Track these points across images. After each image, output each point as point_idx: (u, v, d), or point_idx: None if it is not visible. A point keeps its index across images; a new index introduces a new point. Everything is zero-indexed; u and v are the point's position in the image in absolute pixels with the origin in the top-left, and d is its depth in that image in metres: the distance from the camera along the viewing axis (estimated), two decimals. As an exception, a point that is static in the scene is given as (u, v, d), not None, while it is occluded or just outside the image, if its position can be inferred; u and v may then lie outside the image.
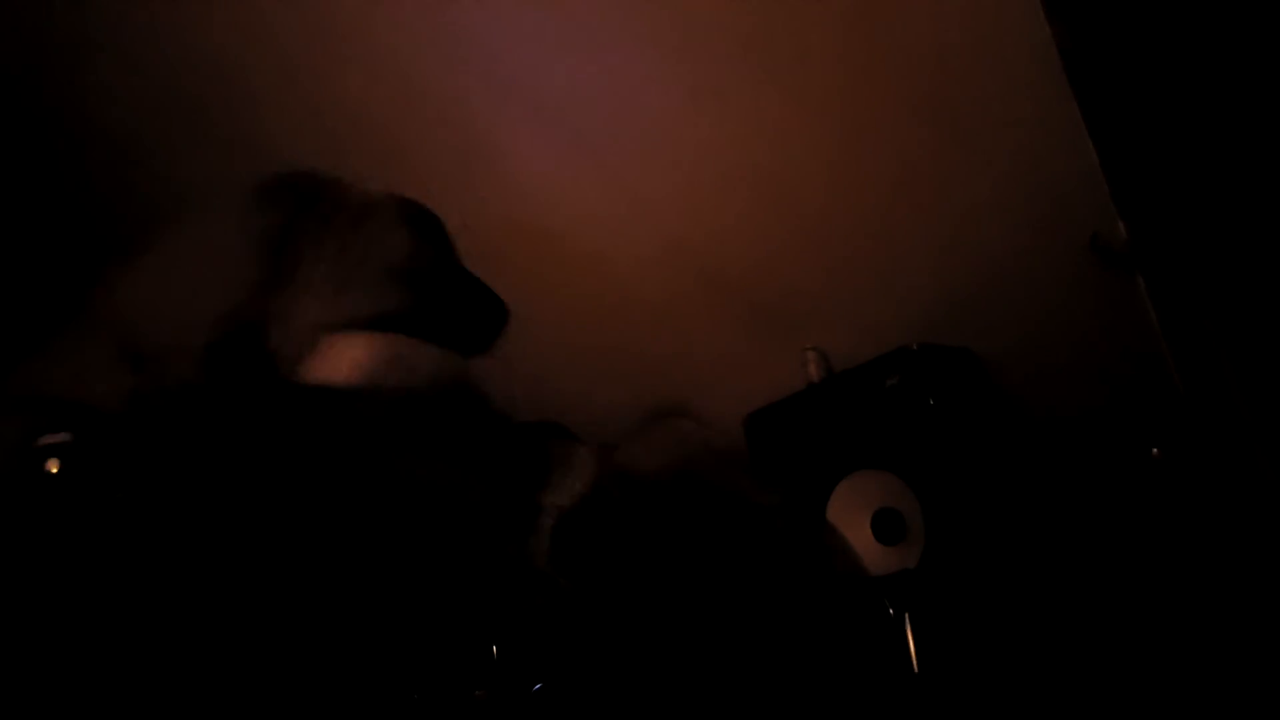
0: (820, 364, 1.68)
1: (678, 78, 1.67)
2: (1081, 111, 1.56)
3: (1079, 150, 1.57)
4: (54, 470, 0.88)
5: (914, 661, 1.43)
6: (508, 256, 1.78)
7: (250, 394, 0.95)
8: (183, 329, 0.97)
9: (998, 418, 1.61)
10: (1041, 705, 1.40)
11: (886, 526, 1.54)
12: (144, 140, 1.77)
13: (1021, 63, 1.54)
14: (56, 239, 1.80)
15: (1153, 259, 1.56)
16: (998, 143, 1.61)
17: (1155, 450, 1.51)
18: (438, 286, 1.09)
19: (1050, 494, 1.56)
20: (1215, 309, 1.47)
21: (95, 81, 1.73)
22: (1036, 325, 1.63)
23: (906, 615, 1.47)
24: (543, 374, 1.69)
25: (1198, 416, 1.49)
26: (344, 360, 0.92)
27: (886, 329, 1.63)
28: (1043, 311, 1.63)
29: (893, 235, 1.68)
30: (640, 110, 1.73)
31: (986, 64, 1.56)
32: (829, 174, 1.69)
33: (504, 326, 1.19)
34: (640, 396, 1.72)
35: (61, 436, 0.89)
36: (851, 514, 1.58)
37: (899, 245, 1.68)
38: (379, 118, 1.78)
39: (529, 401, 1.62)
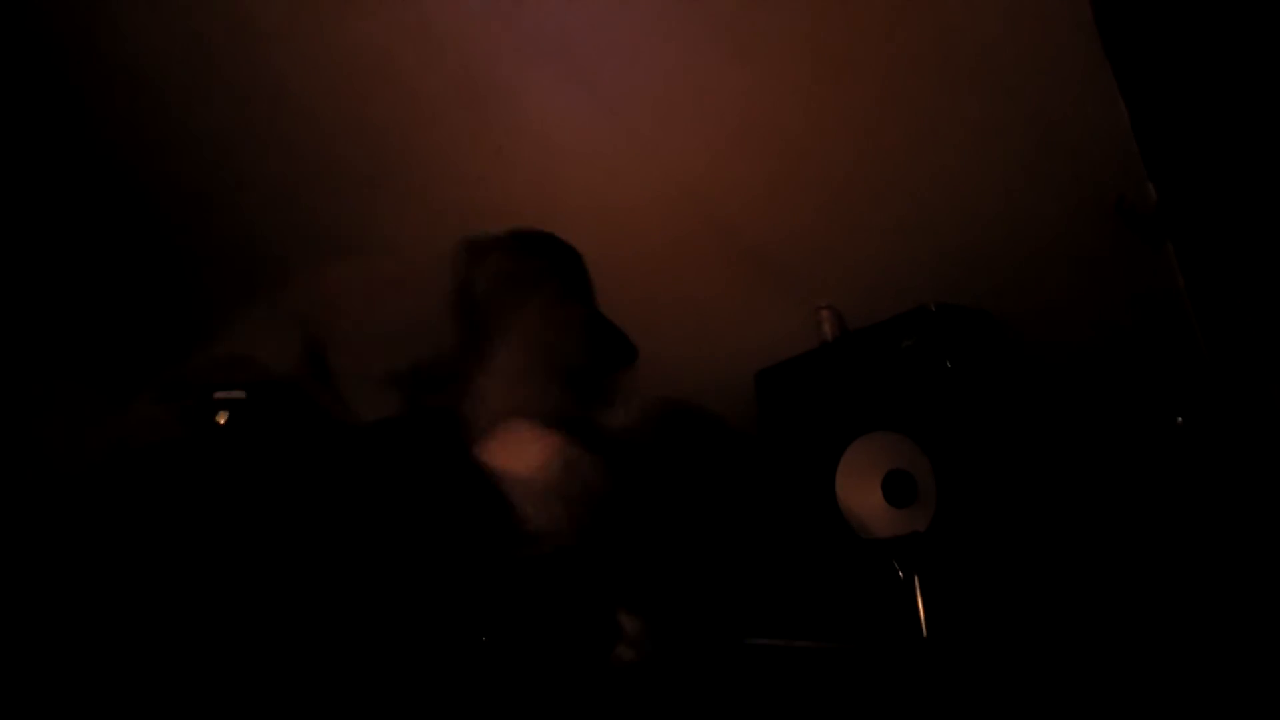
0: (835, 322, 1.65)
1: (700, 31, 1.64)
2: (1114, 71, 1.51)
3: (1109, 111, 1.52)
4: (222, 422, 0.95)
5: (923, 625, 1.41)
6: (524, 205, 1.79)
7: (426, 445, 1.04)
8: (371, 346, 1.07)
9: (1015, 382, 1.57)
10: (1051, 671, 1.37)
11: (898, 489, 1.52)
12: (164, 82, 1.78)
13: (1053, 21, 1.50)
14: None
15: (1181, 223, 1.51)
16: (1024, 102, 1.57)
17: (1179, 418, 1.47)
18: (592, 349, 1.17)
19: (1069, 461, 1.53)
20: (1245, 275, 1.43)
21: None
22: (1059, 288, 1.59)
23: (916, 578, 1.44)
24: None
25: (1223, 384, 1.45)
26: (528, 454, 1.00)
27: (904, 289, 1.59)
28: (1066, 274, 1.59)
29: (914, 194, 1.65)
30: (662, 64, 1.70)
31: (1016, 23, 1.52)
32: (850, 132, 1.66)
33: (632, 363, 1.26)
34: (649, 347, 1.70)
35: (236, 393, 0.96)
36: (862, 475, 1.56)
37: (920, 204, 1.65)
38: (398, 65, 1.78)
39: None
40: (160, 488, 0.93)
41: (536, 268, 1.21)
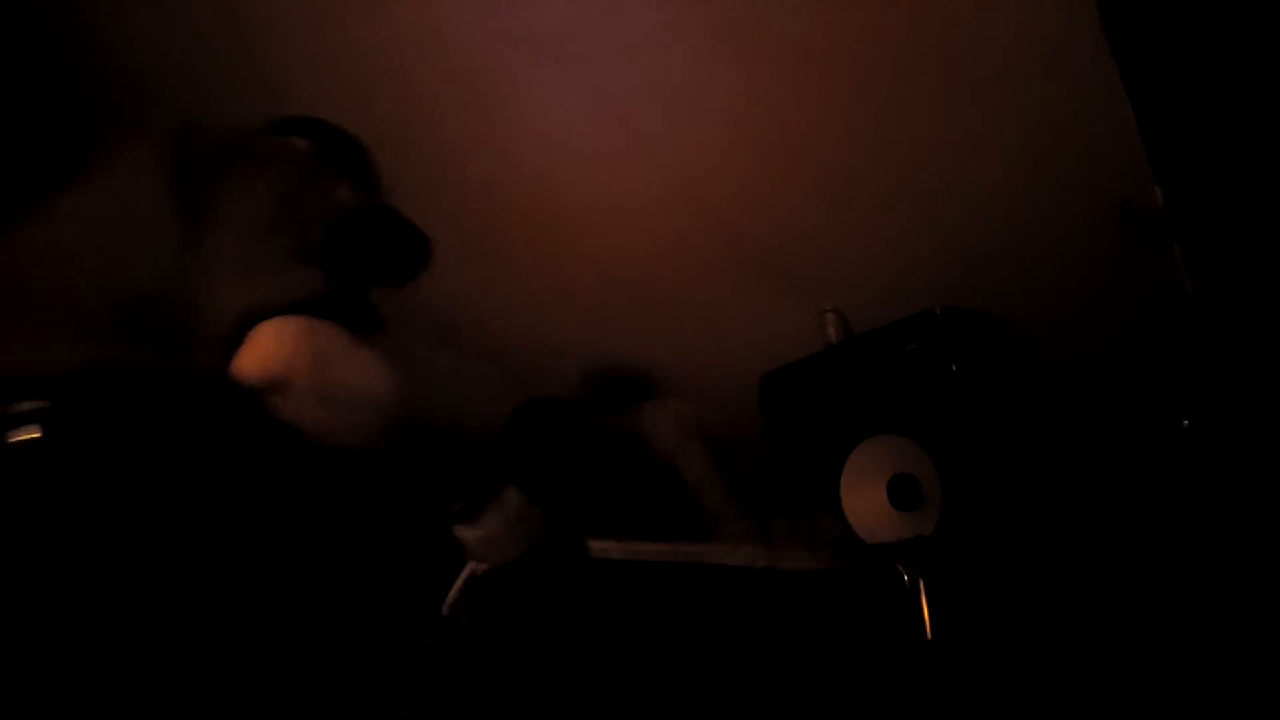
0: (839, 326, 1.65)
1: (704, 33, 1.63)
2: (1121, 73, 1.51)
3: (1115, 113, 1.52)
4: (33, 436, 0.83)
5: (927, 627, 1.40)
6: (527, 207, 1.78)
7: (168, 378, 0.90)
8: (96, 290, 0.90)
9: (1021, 385, 1.57)
10: (1055, 673, 1.37)
11: (903, 492, 1.52)
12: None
13: (1060, 24, 1.49)
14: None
15: (1188, 225, 1.51)
16: (1031, 105, 1.56)
17: (1185, 422, 1.47)
18: (358, 231, 1.01)
19: (1074, 464, 1.52)
20: (1252, 278, 1.42)
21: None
22: (1065, 292, 1.59)
23: (921, 581, 1.44)
24: (539, 313, 1.67)
25: (1230, 387, 1.44)
26: (262, 351, 0.85)
27: (909, 292, 1.59)
28: (1072, 278, 1.58)
29: (919, 197, 1.64)
30: (667, 65, 1.69)
31: (1023, 26, 1.51)
32: (856, 135, 1.65)
33: (426, 262, 1.12)
34: (654, 350, 1.70)
35: (39, 403, 0.84)
36: (867, 479, 1.55)
37: (925, 207, 1.64)
38: (400, 67, 1.76)
39: (522, 338, 1.61)
40: None
41: (270, 143, 1.00)
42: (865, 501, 1.55)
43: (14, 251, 0.91)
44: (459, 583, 1.12)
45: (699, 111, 1.67)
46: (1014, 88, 1.55)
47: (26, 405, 0.83)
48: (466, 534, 1.07)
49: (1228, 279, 1.47)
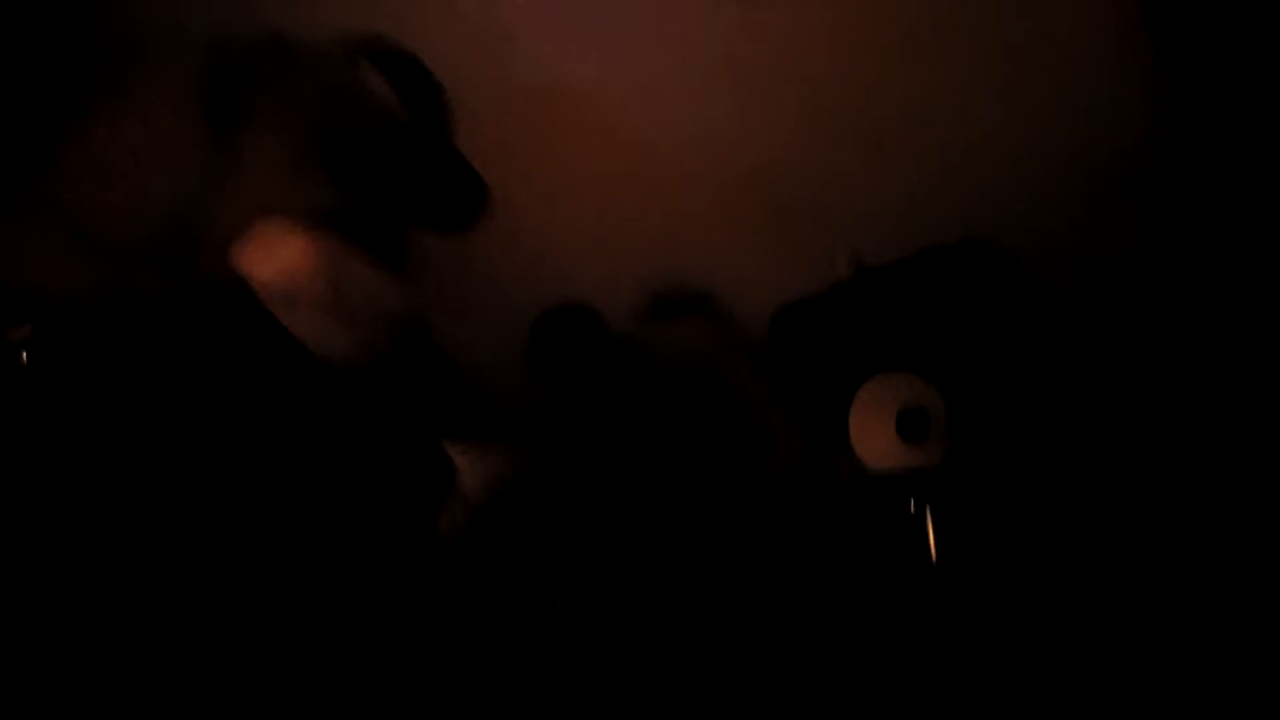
0: (851, 260, 1.65)
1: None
2: (1142, 5, 1.50)
3: (1137, 47, 1.51)
4: (24, 361, 0.86)
5: (932, 553, 1.44)
6: (533, 136, 1.77)
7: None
8: (131, 220, 0.89)
9: (1034, 321, 1.58)
10: (1056, 601, 1.41)
11: (911, 425, 1.54)
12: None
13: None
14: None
15: (1210, 163, 1.51)
16: (1053, 40, 1.56)
17: (1185, 361, 1.48)
18: (410, 163, 0.97)
19: (1085, 400, 1.54)
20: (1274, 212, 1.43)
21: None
22: (1083, 230, 1.59)
23: (927, 509, 1.47)
24: (550, 249, 1.66)
25: (1243, 320, 1.46)
26: (280, 256, 0.81)
27: (921, 227, 1.59)
28: (1091, 215, 1.59)
29: (936, 133, 1.64)
30: (680, 3, 1.68)
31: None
32: (872, 72, 1.64)
33: (483, 208, 1.09)
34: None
35: (24, 329, 0.87)
36: (877, 412, 1.57)
37: (942, 144, 1.64)
38: (412, 22, 1.73)
39: (532, 278, 1.61)
40: None
41: (316, 55, 0.96)
42: (874, 434, 1.57)
43: (59, 175, 0.92)
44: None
45: (713, 51, 1.65)
46: (1035, 23, 1.54)
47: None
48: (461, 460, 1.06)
49: (1252, 218, 1.47)
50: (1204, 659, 1.29)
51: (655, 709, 1.22)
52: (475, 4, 1.71)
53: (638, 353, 1.25)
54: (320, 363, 0.93)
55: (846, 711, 1.33)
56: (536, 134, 1.79)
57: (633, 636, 1.27)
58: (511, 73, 1.75)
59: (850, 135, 1.67)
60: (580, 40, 1.70)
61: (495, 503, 1.07)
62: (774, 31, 1.66)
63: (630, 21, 1.70)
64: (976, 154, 1.64)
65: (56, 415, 0.87)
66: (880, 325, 1.59)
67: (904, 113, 1.65)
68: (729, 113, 1.73)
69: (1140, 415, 1.53)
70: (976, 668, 1.34)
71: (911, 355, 1.55)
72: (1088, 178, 1.57)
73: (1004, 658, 1.34)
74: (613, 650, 1.20)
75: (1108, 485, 1.48)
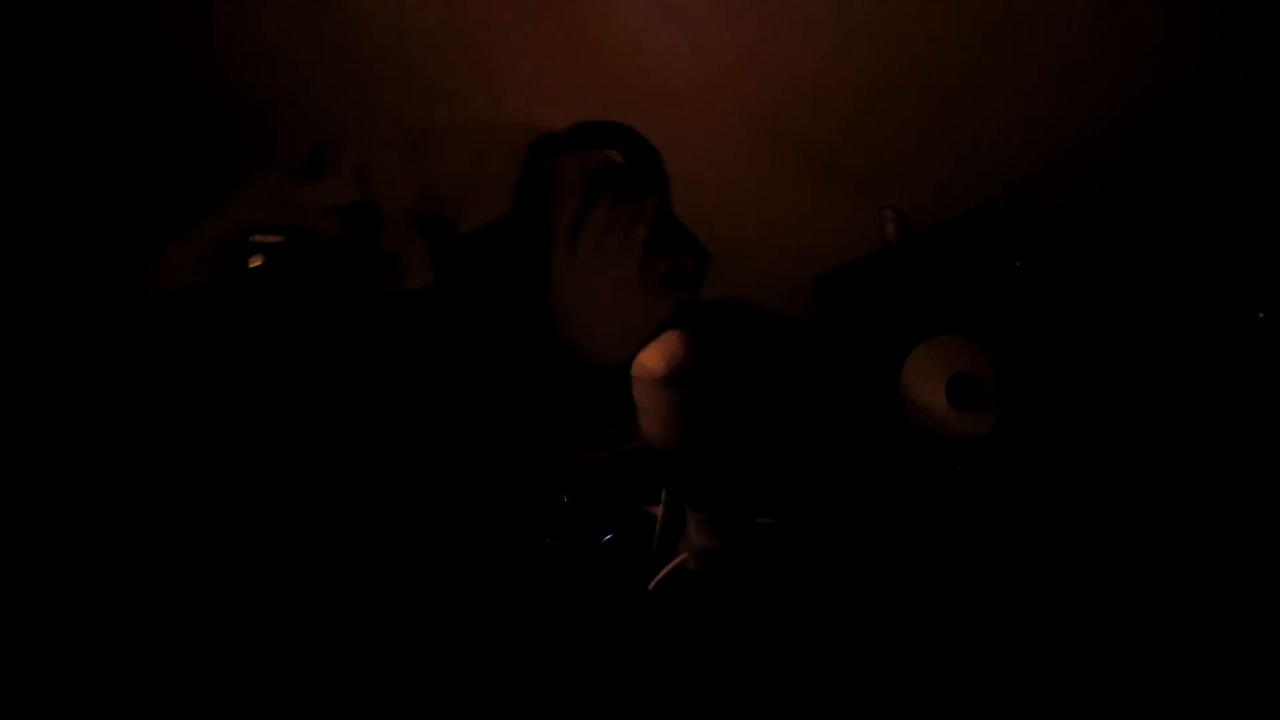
0: (899, 223, 1.60)
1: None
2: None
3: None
4: (255, 266, 0.90)
5: (979, 524, 1.41)
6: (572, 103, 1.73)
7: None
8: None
9: (1088, 279, 1.52)
10: (1113, 575, 1.37)
11: (962, 392, 1.50)
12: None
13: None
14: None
15: (1271, 108, 1.43)
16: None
17: (1260, 314, 1.42)
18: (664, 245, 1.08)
19: (1142, 361, 1.49)
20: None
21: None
22: (1135, 182, 1.52)
23: (978, 480, 1.44)
24: None
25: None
26: (668, 353, 0.98)
27: (971, 187, 1.53)
28: (1143, 167, 1.52)
29: (979, 87, 1.57)
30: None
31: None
32: (917, 28, 1.57)
33: (708, 267, 1.19)
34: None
35: (274, 237, 0.93)
36: (927, 378, 1.53)
37: (989, 100, 1.58)
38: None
39: None
40: (181, 337, 0.90)
41: (614, 163, 1.11)
42: (924, 401, 1.53)
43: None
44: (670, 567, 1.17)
45: (755, 6, 1.59)
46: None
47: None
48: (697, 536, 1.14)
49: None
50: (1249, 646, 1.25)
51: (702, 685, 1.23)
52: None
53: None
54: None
55: (899, 685, 1.32)
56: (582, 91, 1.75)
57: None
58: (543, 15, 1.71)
59: (891, 92, 1.61)
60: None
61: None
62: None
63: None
64: (1028, 107, 1.57)
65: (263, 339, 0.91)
66: (929, 287, 1.55)
67: (951, 64, 1.58)
68: (772, 68, 1.68)
69: (1196, 378, 1.48)
70: (1024, 642, 1.31)
71: (961, 319, 1.51)
72: (1140, 132, 1.49)
73: (1052, 630, 1.32)
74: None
75: (1164, 456, 1.43)
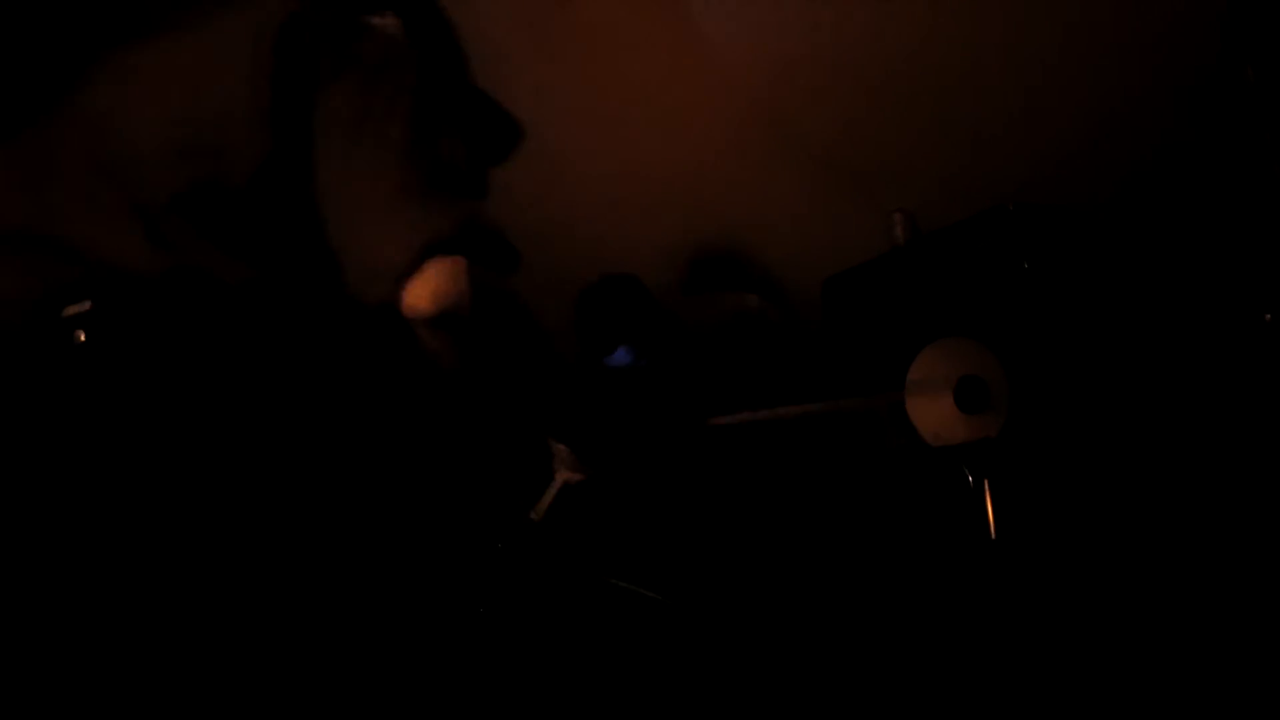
0: (908, 226, 1.59)
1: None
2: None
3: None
4: (81, 340, 0.84)
5: (991, 528, 1.41)
6: (581, 108, 1.73)
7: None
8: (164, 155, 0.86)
9: (1097, 282, 1.51)
10: (1121, 578, 1.37)
11: (970, 395, 1.50)
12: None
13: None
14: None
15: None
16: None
17: (1268, 316, 1.41)
18: (456, 114, 0.95)
19: (1150, 363, 1.49)
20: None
21: None
22: (1144, 183, 1.51)
23: (986, 483, 1.44)
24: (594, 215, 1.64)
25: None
26: (434, 288, 0.86)
27: (980, 189, 1.53)
28: (1151, 169, 1.51)
29: (986, 88, 1.56)
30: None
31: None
32: (925, 29, 1.57)
33: (518, 145, 1.07)
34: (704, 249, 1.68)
35: (84, 305, 0.85)
36: (933, 381, 1.53)
37: (993, 99, 1.57)
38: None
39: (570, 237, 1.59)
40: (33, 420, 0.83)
41: (377, 34, 0.88)
42: (931, 404, 1.53)
43: (85, 114, 0.88)
44: (551, 491, 1.16)
45: (761, 10, 1.59)
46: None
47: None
48: (560, 446, 1.10)
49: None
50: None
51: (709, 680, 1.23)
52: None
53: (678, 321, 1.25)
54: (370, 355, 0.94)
55: (904, 686, 1.33)
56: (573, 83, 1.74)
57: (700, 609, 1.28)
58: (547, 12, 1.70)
59: (899, 94, 1.60)
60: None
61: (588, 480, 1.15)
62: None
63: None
64: (1035, 107, 1.56)
65: (110, 399, 0.86)
66: (937, 290, 1.54)
67: (958, 65, 1.58)
68: (778, 70, 1.67)
69: (1204, 380, 1.47)
70: (1034, 644, 1.32)
71: (969, 322, 1.50)
72: (1150, 133, 1.49)
73: (1062, 635, 1.32)
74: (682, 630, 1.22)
75: (1173, 459, 1.43)
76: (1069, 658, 1.30)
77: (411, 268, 0.83)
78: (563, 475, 1.16)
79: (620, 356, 1.31)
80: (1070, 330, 1.46)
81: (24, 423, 0.84)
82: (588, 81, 1.68)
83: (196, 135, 0.87)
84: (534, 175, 1.81)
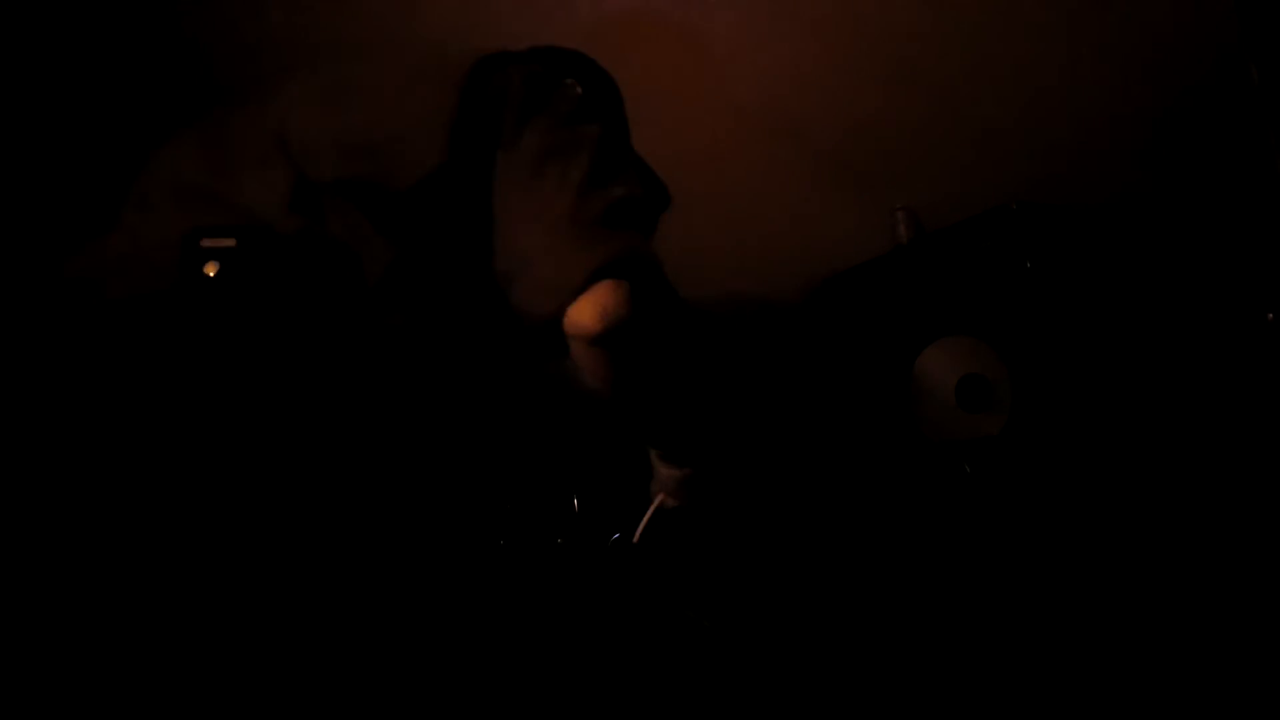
0: (911, 224, 1.60)
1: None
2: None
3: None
4: (211, 274, 0.87)
5: (987, 526, 1.42)
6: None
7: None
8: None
9: (1100, 282, 1.52)
10: (1124, 578, 1.38)
11: (972, 393, 1.50)
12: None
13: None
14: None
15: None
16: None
17: (1271, 315, 1.42)
18: (625, 169, 1.01)
19: (1152, 363, 1.49)
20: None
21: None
22: (1147, 183, 1.52)
23: (985, 481, 1.45)
24: None
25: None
26: (603, 308, 0.90)
27: (983, 188, 1.53)
28: (1154, 169, 1.51)
29: (990, 87, 1.56)
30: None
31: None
32: (929, 26, 1.57)
33: (667, 208, 1.13)
34: (720, 252, 1.67)
35: (227, 241, 0.88)
36: (936, 379, 1.54)
37: (996, 98, 1.57)
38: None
39: None
40: (142, 350, 0.85)
41: (571, 92, 0.98)
42: (933, 402, 1.54)
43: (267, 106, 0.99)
44: (649, 514, 1.17)
45: (766, 4, 1.59)
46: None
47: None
48: (663, 468, 1.12)
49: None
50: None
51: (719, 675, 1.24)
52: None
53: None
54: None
55: (901, 679, 1.33)
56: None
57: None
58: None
59: (904, 91, 1.60)
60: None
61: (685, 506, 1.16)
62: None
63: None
64: (1039, 106, 1.57)
65: (222, 344, 0.87)
66: (940, 289, 1.55)
67: (962, 64, 1.58)
68: (780, 65, 1.67)
69: (1206, 380, 1.48)
70: (1032, 642, 1.32)
71: (972, 320, 1.51)
72: (1153, 132, 1.49)
73: (1061, 632, 1.33)
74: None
75: (1175, 458, 1.44)
76: (1069, 657, 1.31)
77: (582, 287, 0.88)
78: (660, 498, 1.16)
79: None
80: (1073, 329, 1.46)
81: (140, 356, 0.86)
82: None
83: (365, 137, 0.96)
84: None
